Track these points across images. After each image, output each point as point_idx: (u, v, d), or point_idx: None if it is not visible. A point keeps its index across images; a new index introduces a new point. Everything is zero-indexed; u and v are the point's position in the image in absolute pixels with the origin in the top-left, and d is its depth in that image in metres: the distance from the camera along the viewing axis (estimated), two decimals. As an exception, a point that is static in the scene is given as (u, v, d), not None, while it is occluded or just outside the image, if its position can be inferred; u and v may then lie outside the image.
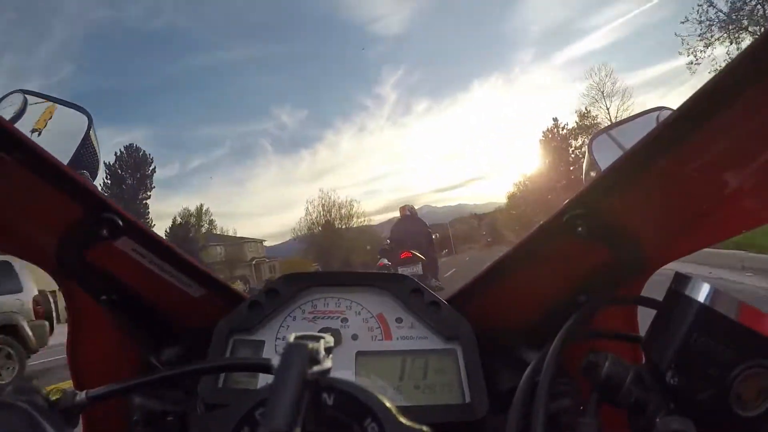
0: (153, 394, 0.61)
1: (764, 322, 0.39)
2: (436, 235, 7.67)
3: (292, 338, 0.33)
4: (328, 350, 0.34)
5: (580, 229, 0.52)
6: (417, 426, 0.38)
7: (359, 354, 0.63)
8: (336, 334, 0.64)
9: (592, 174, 0.71)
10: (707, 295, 0.42)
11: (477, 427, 0.57)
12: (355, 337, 0.65)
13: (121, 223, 0.54)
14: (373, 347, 0.64)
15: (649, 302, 0.53)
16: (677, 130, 0.42)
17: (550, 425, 0.48)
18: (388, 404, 0.39)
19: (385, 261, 10.24)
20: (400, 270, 6.77)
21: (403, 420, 0.38)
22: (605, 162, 0.67)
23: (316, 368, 0.32)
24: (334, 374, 0.59)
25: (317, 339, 0.34)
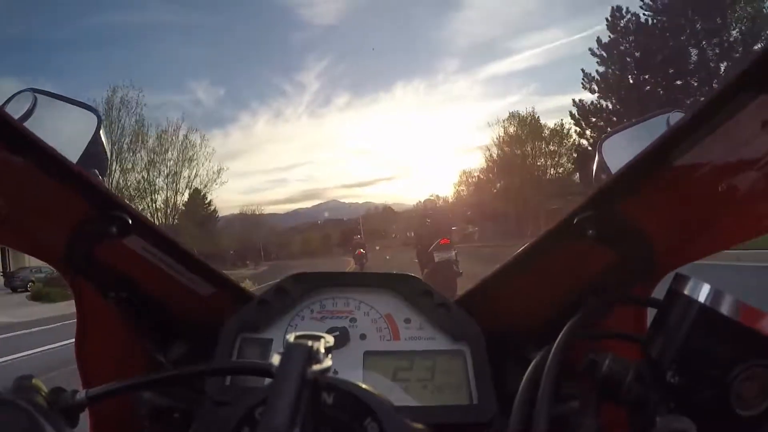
0: (160, 391, 0.61)
1: (764, 321, 0.40)
2: (454, 228, 9.07)
3: (291, 338, 0.34)
4: (328, 350, 0.35)
5: (590, 231, 0.53)
6: (416, 425, 0.38)
7: (367, 354, 0.64)
8: (344, 333, 0.65)
9: (603, 176, 0.71)
10: (707, 295, 0.42)
11: (484, 429, 0.58)
12: (363, 336, 0.66)
13: (130, 221, 0.55)
14: (381, 347, 0.65)
15: (649, 302, 0.54)
16: (689, 133, 0.42)
17: (558, 427, 0.48)
18: (388, 403, 0.39)
19: (362, 250, 15.91)
20: (436, 255, 7.38)
21: (402, 419, 0.38)
22: (616, 164, 0.67)
23: (315, 367, 0.33)
24: (341, 374, 0.60)
25: (317, 338, 0.35)
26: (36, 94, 0.69)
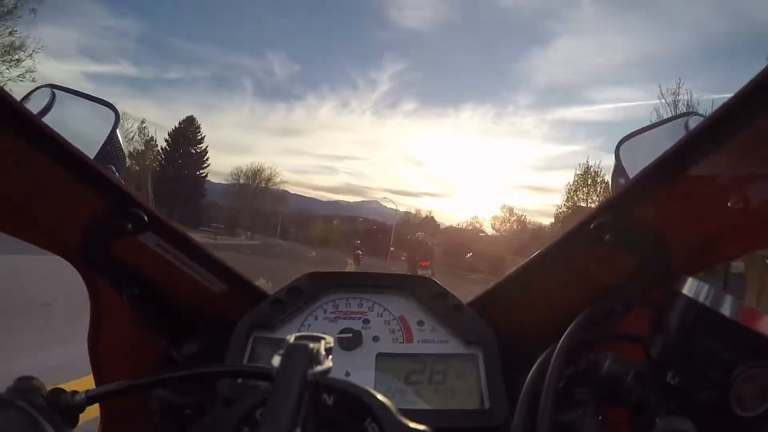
0: (171, 388, 0.62)
1: (764, 322, 0.41)
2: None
3: (292, 339, 0.35)
4: (329, 350, 0.36)
5: (607, 236, 0.52)
6: (418, 426, 0.38)
7: (379, 356, 0.65)
8: (357, 335, 0.66)
9: (621, 181, 0.71)
10: (707, 295, 0.42)
11: None
12: (376, 338, 0.66)
13: (146, 217, 0.56)
14: (393, 349, 0.66)
15: (649, 303, 0.53)
16: (708, 138, 0.42)
17: (565, 430, 0.48)
18: (388, 404, 0.40)
19: (360, 252, 26.60)
20: (420, 271, 11.97)
21: (403, 420, 0.39)
22: (633, 169, 0.66)
23: (317, 368, 0.33)
24: (354, 375, 0.61)
25: (318, 339, 0.35)
26: (54, 90, 0.71)
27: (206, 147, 45.54)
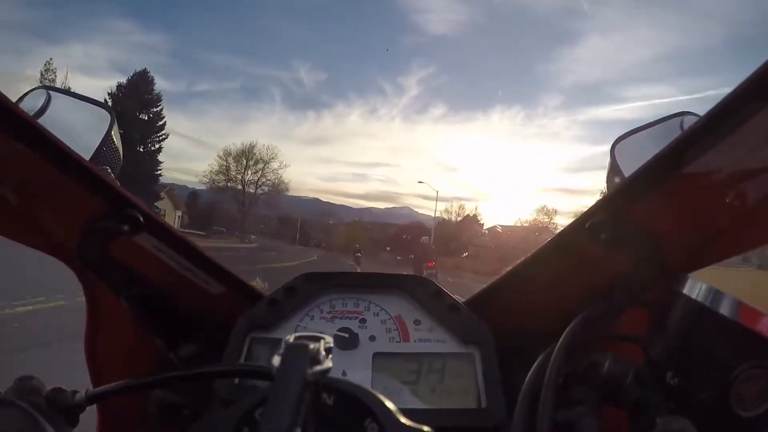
0: (169, 388, 0.62)
1: (763, 322, 0.41)
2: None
3: (292, 338, 0.35)
4: (328, 350, 0.35)
5: (602, 235, 0.52)
6: (418, 426, 0.38)
7: (376, 355, 0.64)
8: (353, 334, 0.66)
9: (616, 180, 0.71)
10: (707, 295, 0.43)
11: None
12: (372, 338, 0.66)
13: (142, 219, 0.56)
14: (390, 349, 0.66)
15: (650, 303, 0.53)
16: (703, 137, 0.42)
17: (564, 430, 0.48)
18: (388, 404, 0.40)
19: (359, 254, 28.21)
20: (425, 271, 13.20)
21: (403, 420, 0.39)
22: (628, 167, 0.67)
23: (316, 368, 0.33)
24: (350, 375, 0.61)
25: (317, 339, 0.35)
26: (49, 92, 0.70)
27: (161, 109, 33.66)
